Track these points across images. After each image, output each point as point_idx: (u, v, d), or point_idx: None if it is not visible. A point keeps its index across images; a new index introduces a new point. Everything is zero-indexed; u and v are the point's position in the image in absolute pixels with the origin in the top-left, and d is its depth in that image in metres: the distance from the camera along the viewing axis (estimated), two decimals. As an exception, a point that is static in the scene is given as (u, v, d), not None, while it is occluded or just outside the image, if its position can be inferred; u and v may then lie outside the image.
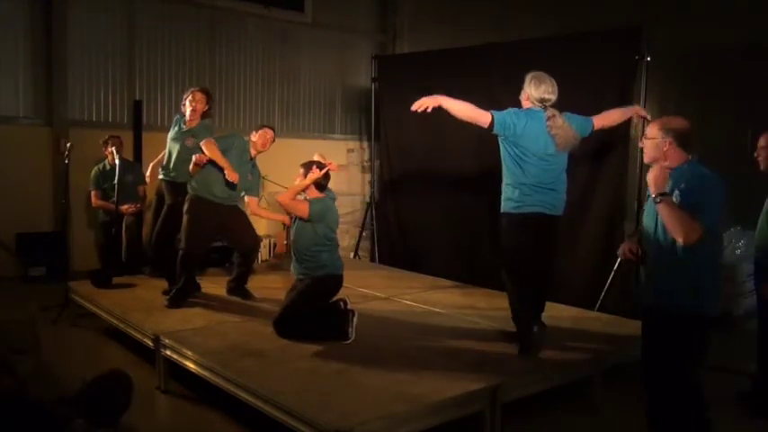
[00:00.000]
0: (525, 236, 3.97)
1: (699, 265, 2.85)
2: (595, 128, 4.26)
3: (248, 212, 5.33)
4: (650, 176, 2.87)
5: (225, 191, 5.02)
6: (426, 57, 7.48)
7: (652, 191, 2.85)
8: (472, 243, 6.52)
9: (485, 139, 6.19)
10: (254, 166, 5.30)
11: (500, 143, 4.10)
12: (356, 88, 9.82)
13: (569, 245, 5.81)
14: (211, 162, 4.93)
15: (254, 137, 5.17)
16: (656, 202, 2.82)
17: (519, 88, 6.07)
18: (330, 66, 9.77)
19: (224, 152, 4.94)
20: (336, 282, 4.37)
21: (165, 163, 5.47)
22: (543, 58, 6.03)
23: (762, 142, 4.02)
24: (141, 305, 4.99)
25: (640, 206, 5.42)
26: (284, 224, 8.39)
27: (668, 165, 2.91)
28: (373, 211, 7.80)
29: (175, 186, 5.34)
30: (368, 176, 9.46)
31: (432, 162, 7.04)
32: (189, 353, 3.98)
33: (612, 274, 5.43)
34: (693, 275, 2.86)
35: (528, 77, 4.13)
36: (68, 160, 5.95)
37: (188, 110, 5.25)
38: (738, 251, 5.88)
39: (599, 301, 5.40)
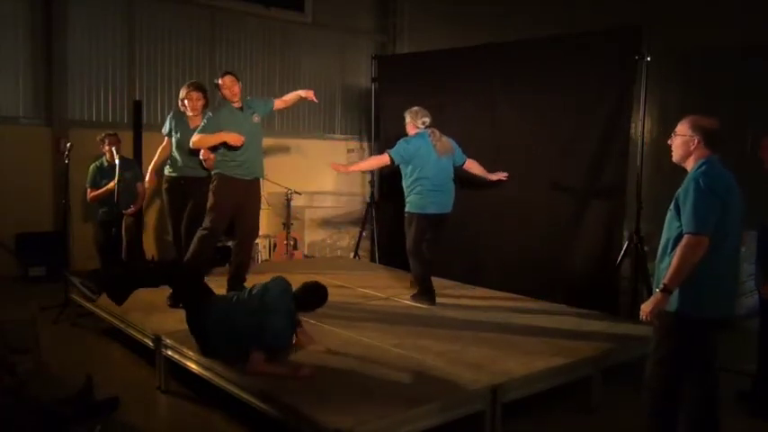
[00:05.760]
0: (425, 228, 5.34)
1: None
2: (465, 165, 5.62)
3: None
4: None
5: (243, 167, 5.09)
6: (426, 57, 7.47)
7: None
8: (471, 243, 6.51)
9: (484, 140, 6.25)
10: (249, 107, 5.24)
11: (401, 168, 5.34)
12: (356, 88, 9.82)
13: (570, 244, 5.81)
14: (220, 144, 5.02)
15: (223, 90, 5.08)
16: None
17: (518, 90, 6.11)
18: (330, 66, 9.77)
19: (221, 128, 4.96)
20: None
21: (171, 161, 5.59)
22: (543, 58, 6.05)
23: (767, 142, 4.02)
24: (141, 305, 4.96)
25: (640, 206, 5.43)
26: (284, 224, 8.35)
27: (689, 164, 2.97)
28: (373, 212, 7.78)
29: (188, 181, 5.49)
30: (368, 176, 9.46)
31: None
32: (190, 353, 3.97)
33: (613, 273, 5.43)
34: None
35: (408, 113, 5.41)
36: (68, 160, 5.94)
37: (188, 111, 5.51)
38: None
39: (599, 302, 5.39)
